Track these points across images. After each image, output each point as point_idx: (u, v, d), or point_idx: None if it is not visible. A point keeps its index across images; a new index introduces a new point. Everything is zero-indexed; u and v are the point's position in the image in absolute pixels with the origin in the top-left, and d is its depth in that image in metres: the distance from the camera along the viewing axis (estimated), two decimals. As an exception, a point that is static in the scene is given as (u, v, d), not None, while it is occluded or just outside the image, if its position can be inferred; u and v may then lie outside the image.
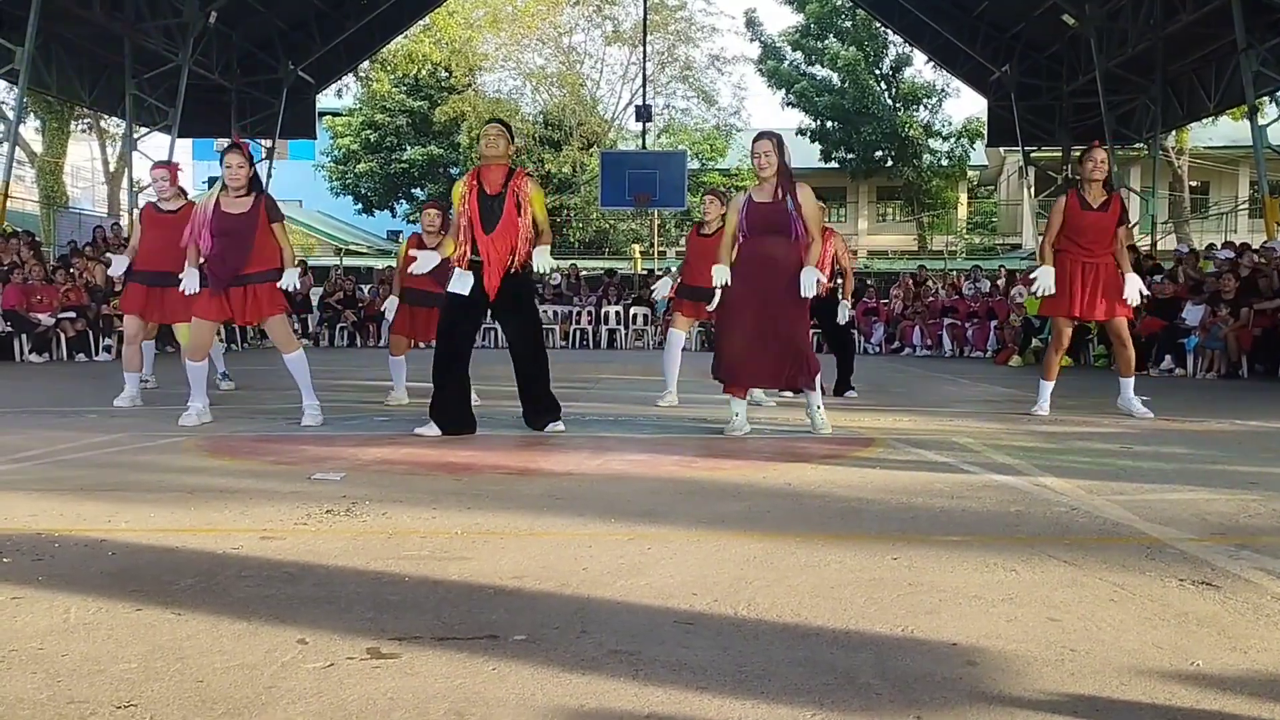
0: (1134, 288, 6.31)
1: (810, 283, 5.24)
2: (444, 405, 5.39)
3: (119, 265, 7.23)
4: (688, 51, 32.69)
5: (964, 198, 35.73)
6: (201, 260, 5.88)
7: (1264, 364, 11.50)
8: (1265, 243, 13.55)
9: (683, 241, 19.38)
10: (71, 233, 18.47)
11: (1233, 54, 15.03)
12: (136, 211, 8.59)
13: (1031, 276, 6.87)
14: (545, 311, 19.60)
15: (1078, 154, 6.96)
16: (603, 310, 19.81)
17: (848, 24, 31.35)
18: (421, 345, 7.68)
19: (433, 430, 5.31)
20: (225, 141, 23.28)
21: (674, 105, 33.73)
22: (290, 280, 5.79)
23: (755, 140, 5.44)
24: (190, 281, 5.87)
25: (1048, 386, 6.71)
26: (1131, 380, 6.63)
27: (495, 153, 5.46)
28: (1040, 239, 6.86)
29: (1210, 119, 20.62)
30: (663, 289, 7.99)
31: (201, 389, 5.90)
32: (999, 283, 18.18)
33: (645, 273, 23.70)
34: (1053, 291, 6.37)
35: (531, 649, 2.00)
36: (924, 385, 10.09)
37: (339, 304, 19.38)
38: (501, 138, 5.49)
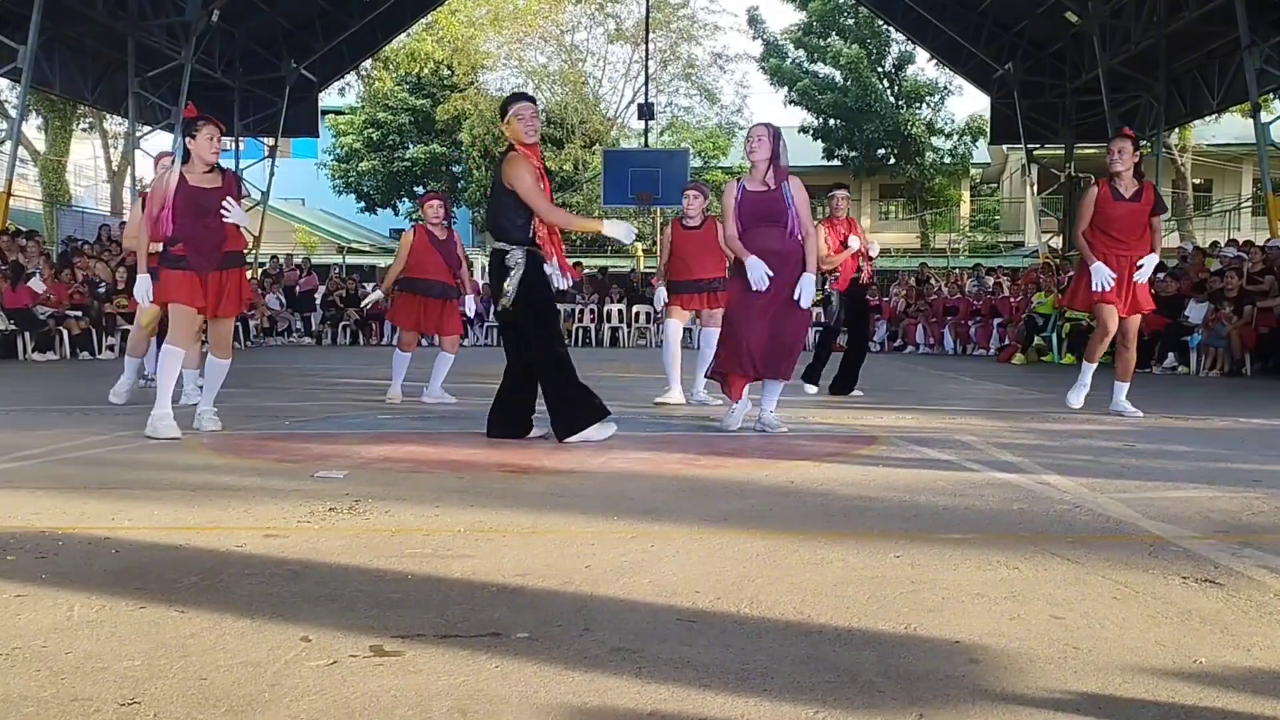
0: (1150, 266, 6.25)
1: (809, 292, 5.26)
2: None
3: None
4: (690, 49, 32.63)
5: (966, 195, 35.67)
6: (159, 246, 5.25)
7: (1267, 362, 11.49)
8: (1269, 240, 13.52)
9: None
10: (74, 231, 18.49)
11: (1236, 51, 15.00)
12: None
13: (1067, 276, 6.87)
14: (548, 310, 19.59)
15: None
16: (605, 309, 19.81)
17: (850, 22, 31.28)
18: (423, 342, 7.67)
19: (609, 429, 5.06)
20: (228, 140, 23.33)
21: (676, 103, 33.70)
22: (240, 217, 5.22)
23: (752, 127, 5.48)
24: (141, 289, 5.37)
25: (1090, 368, 6.55)
26: (1128, 385, 6.48)
27: (537, 139, 5.18)
28: (1075, 233, 6.72)
29: (1213, 116, 20.56)
30: (661, 297, 7.35)
31: (213, 389, 5.54)
32: (1002, 281, 18.18)
33: (648, 270, 23.69)
34: (1110, 287, 6.16)
35: (534, 647, 2.00)
36: (927, 383, 10.08)
37: (341, 302, 19.40)
38: (538, 118, 5.16)
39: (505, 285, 4.95)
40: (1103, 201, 6.23)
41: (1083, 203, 6.49)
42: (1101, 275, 6.18)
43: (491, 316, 18.91)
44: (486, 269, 5.35)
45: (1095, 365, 6.57)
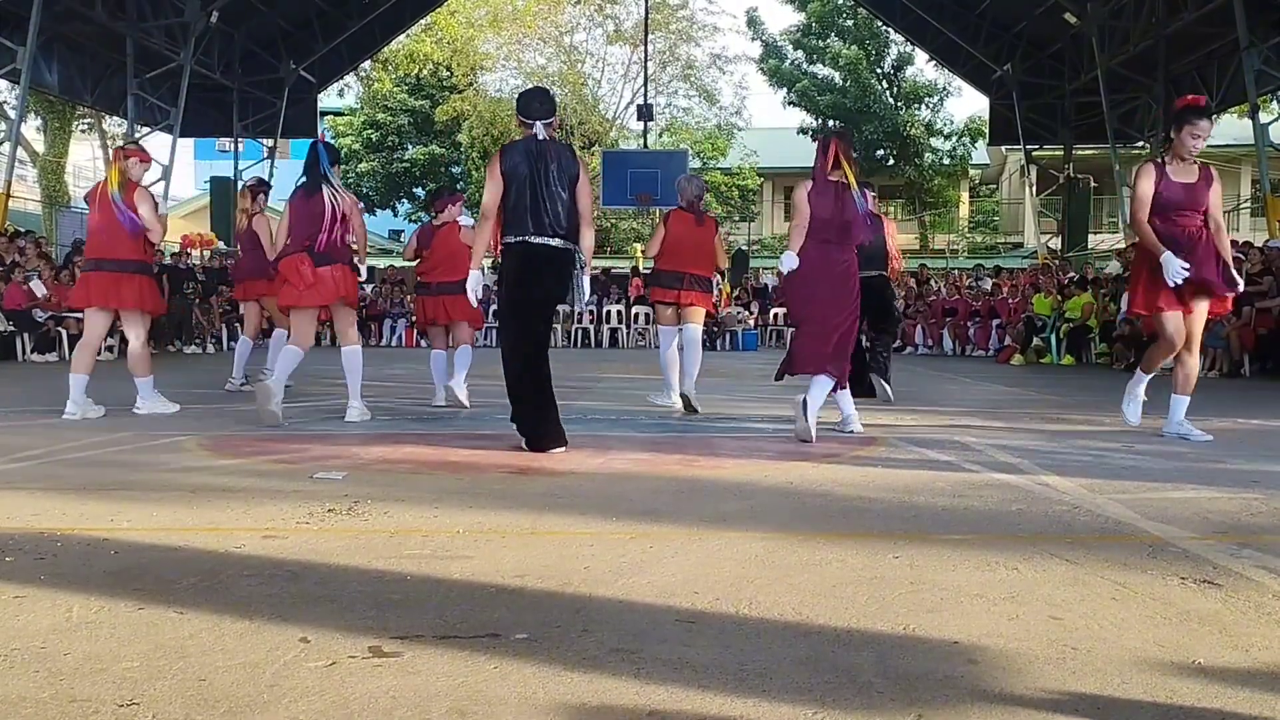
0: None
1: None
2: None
3: None
4: (689, 50, 32.62)
5: (965, 196, 35.67)
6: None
7: (1265, 363, 11.50)
8: (1267, 241, 13.53)
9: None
10: (74, 232, 18.47)
11: (1235, 52, 15.02)
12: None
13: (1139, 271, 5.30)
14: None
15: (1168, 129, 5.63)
16: (604, 309, 19.80)
17: (849, 23, 31.31)
18: (420, 343, 7.65)
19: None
20: (227, 141, 23.35)
21: (675, 104, 33.68)
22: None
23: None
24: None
25: (1144, 379, 5.60)
26: (1188, 400, 5.41)
27: None
28: (1132, 217, 5.51)
29: (1212, 117, 20.58)
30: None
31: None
32: (1002, 282, 18.21)
33: (647, 270, 23.72)
34: (1182, 279, 5.09)
35: (533, 647, 2.00)
36: (926, 384, 10.09)
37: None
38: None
39: (581, 285, 4.92)
40: (1164, 185, 5.30)
41: (1140, 185, 5.34)
42: (1173, 266, 5.10)
43: (491, 316, 18.93)
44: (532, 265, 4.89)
45: (1152, 375, 5.61)
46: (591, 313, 19.78)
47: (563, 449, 4.73)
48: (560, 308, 19.36)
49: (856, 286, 5.41)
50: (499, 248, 4.96)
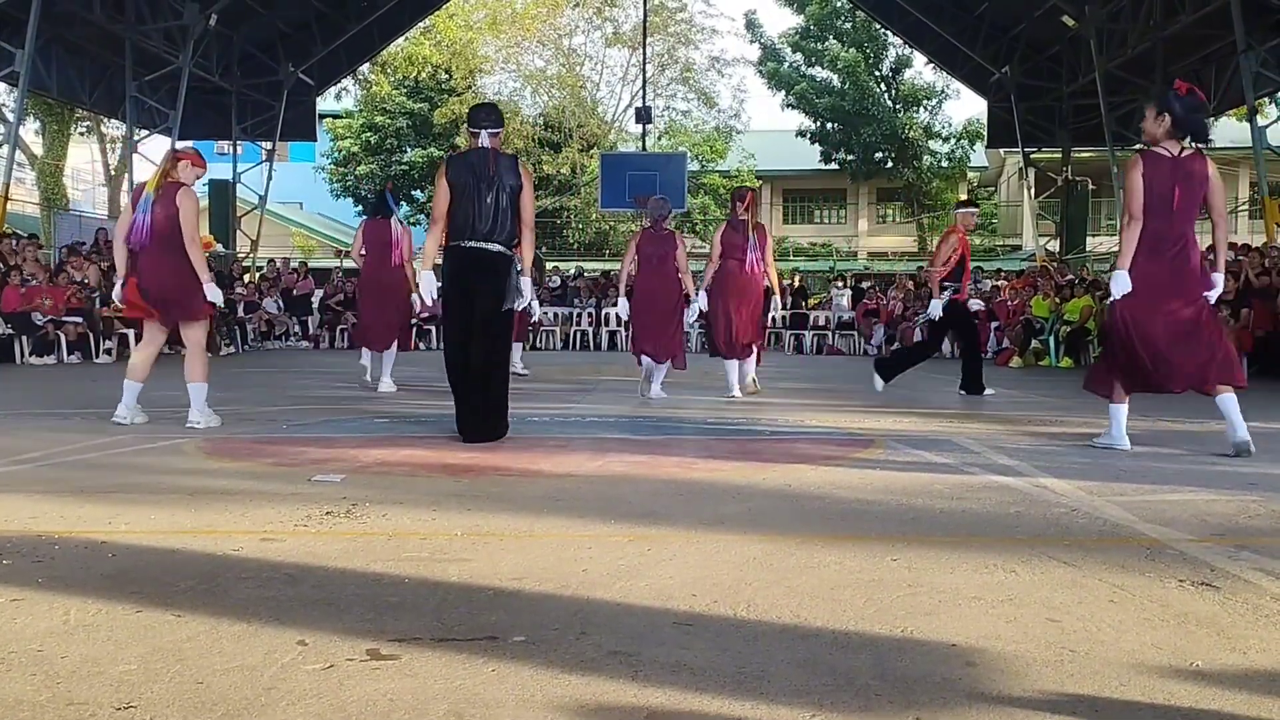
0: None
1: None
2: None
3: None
4: (688, 53, 32.67)
5: (964, 199, 35.71)
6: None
7: (1264, 365, 11.51)
8: (1265, 244, 13.54)
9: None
10: (72, 235, 18.47)
11: (1233, 55, 15.02)
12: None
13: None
14: (545, 313, 19.57)
15: None
16: (603, 312, 19.79)
17: (847, 25, 31.33)
18: (420, 345, 7.68)
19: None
20: (226, 144, 23.34)
21: (674, 107, 33.72)
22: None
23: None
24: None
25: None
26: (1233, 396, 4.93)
27: None
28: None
29: (1210, 120, 20.60)
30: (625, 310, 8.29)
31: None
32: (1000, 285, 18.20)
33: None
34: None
35: (531, 650, 2.00)
36: (924, 386, 10.09)
37: (339, 306, 19.39)
38: None
39: (519, 287, 5.27)
40: None
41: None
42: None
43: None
44: (470, 270, 5.15)
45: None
46: (590, 315, 19.77)
47: (489, 442, 5.05)
48: (559, 311, 19.59)
49: (758, 288, 7.87)
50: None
